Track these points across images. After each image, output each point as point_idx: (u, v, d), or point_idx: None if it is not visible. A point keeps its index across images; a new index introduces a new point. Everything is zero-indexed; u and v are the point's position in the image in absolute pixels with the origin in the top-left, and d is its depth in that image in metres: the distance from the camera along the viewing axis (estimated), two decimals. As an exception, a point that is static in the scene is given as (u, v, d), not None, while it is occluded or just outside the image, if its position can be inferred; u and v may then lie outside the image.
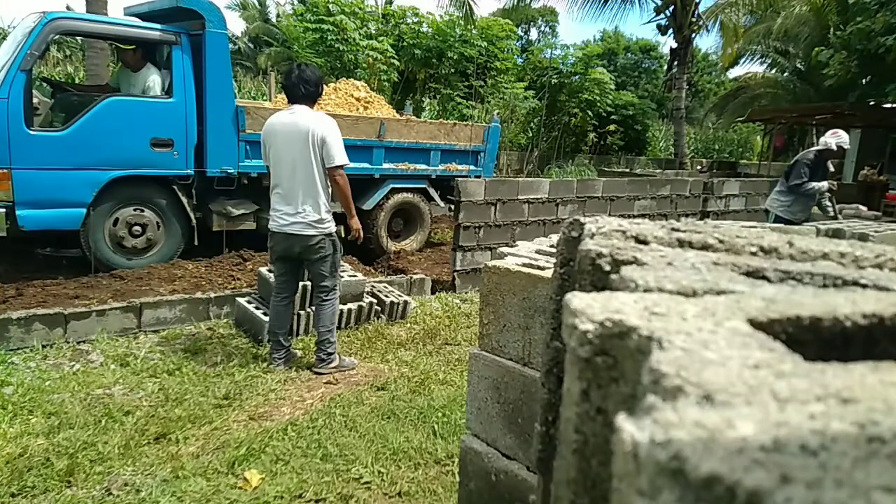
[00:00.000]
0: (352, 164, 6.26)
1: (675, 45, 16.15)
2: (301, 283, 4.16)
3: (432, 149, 7.10)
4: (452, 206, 8.02)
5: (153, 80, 5.45)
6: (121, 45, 5.60)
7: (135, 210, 5.33)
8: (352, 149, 6.34)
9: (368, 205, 6.67)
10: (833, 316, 0.49)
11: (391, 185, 6.82)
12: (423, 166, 7.08)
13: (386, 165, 6.73)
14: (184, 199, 5.53)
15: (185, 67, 5.43)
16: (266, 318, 4.07)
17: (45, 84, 6.71)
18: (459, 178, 6.10)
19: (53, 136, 4.91)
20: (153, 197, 5.41)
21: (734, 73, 28.59)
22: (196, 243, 5.66)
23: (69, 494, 2.42)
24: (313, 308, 4.25)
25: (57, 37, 5.37)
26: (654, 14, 16.19)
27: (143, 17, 5.75)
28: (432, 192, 7.24)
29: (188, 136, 5.47)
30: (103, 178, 5.04)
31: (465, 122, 8.04)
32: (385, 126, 6.68)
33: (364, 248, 6.66)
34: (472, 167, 7.50)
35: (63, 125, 5.04)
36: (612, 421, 0.47)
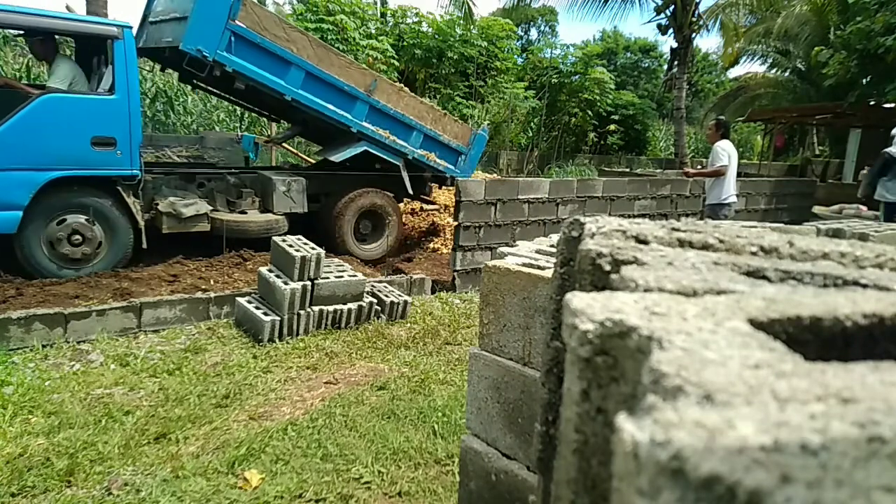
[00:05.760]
0: (332, 107, 6.19)
1: (675, 44, 16.11)
2: (301, 284, 4.17)
3: (416, 128, 6.83)
4: (423, 204, 7.91)
5: (62, 70, 5.20)
6: (28, 36, 5.34)
7: (76, 213, 5.07)
8: (336, 91, 6.18)
9: (337, 157, 6.47)
10: (833, 316, 0.49)
11: (365, 147, 6.54)
12: (403, 142, 6.78)
13: (366, 124, 6.44)
14: (129, 201, 5.30)
15: (129, 63, 5.19)
16: (266, 318, 4.07)
17: None
18: (460, 179, 6.08)
19: None
20: (95, 198, 5.16)
21: (734, 72, 28.63)
22: (145, 246, 5.42)
23: (69, 494, 2.42)
24: (313, 309, 4.26)
25: None
26: (655, 14, 16.15)
27: None
28: (405, 174, 6.90)
29: (132, 134, 5.21)
30: (40, 178, 4.79)
31: (455, 118, 7.86)
32: (377, 83, 6.44)
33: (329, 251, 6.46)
34: (450, 166, 7.22)
35: None
36: (612, 421, 0.47)
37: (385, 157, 6.75)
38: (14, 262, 5.15)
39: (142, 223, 5.39)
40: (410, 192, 7.08)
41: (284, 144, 9.65)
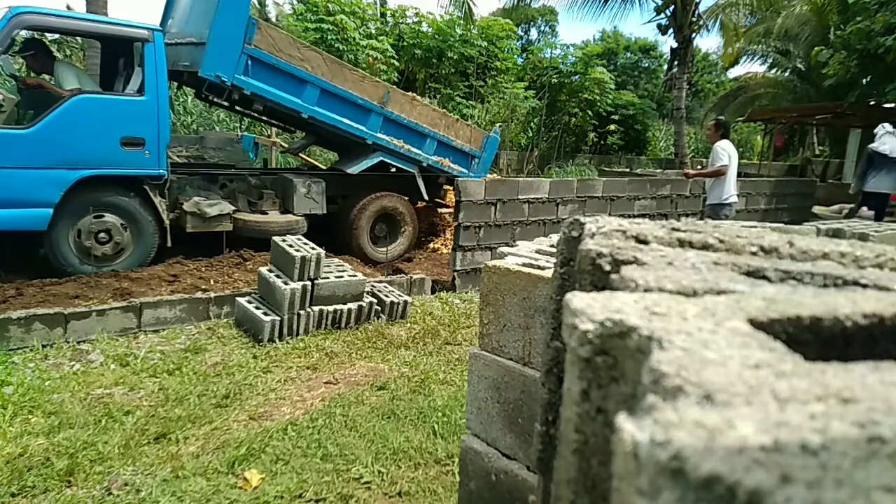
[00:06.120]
0: (347, 121, 6.27)
1: (675, 44, 16.11)
2: (302, 284, 4.17)
3: (430, 135, 6.91)
4: (438, 206, 7.95)
5: (68, 74, 5.27)
6: (21, 53, 5.42)
7: (104, 211, 5.15)
8: (351, 105, 6.27)
9: (354, 169, 6.54)
10: (833, 316, 0.49)
11: (381, 157, 6.65)
12: (417, 150, 6.86)
13: (381, 135, 6.54)
14: (156, 200, 5.39)
15: (158, 65, 5.28)
16: (266, 318, 4.07)
17: (12, 80, 6.37)
18: (460, 179, 6.08)
19: (19, 133, 4.76)
20: (123, 197, 5.26)
21: (734, 72, 28.63)
22: (169, 245, 5.49)
23: (69, 494, 2.42)
24: (313, 309, 4.26)
25: (23, 32, 5.18)
26: (655, 14, 16.15)
27: None
28: (420, 181, 7.01)
29: (160, 134, 5.32)
30: (71, 177, 4.89)
31: (467, 123, 7.92)
32: (390, 95, 6.52)
33: (346, 253, 6.46)
34: (464, 170, 7.29)
35: (30, 122, 4.89)
36: (612, 421, 0.47)
37: (400, 165, 6.85)
38: (15, 261, 5.15)
39: (167, 222, 5.48)
40: (426, 197, 7.21)
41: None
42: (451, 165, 7.18)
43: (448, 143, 7.10)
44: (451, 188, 7.82)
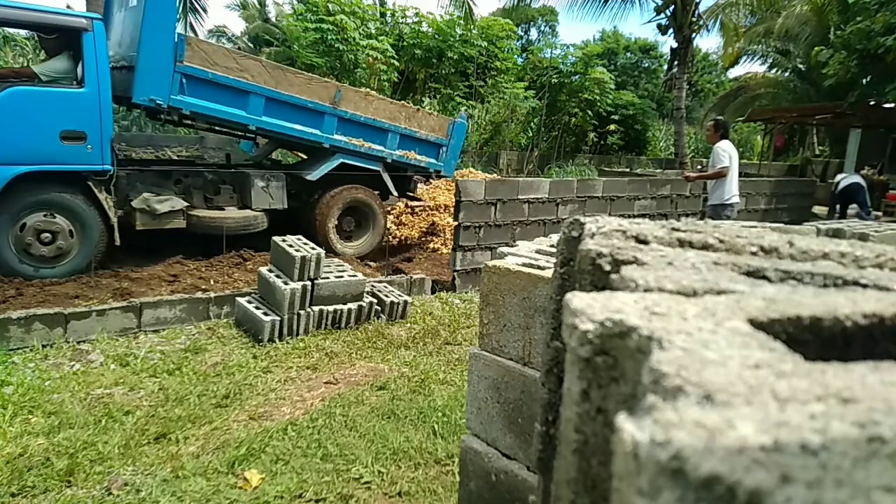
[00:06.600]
0: (299, 127, 6.15)
1: (675, 44, 16.12)
2: (302, 284, 4.17)
3: (391, 130, 6.73)
4: (409, 201, 7.85)
5: (53, 63, 5.11)
6: (42, 34, 5.29)
7: (45, 212, 4.93)
8: (300, 110, 6.08)
9: (314, 175, 6.37)
10: (833, 316, 0.49)
11: (341, 160, 6.48)
12: (379, 147, 6.71)
13: (338, 136, 6.38)
14: (101, 197, 5.15)
15: (99, 55, 5.03)
16: (266, 318, 4.07)
17: None
18: (460, 179, 6.07)
19: None
20: (66, 195, 5.02)
21: (734, 72, 28.64)
22: (118, 243, 5.28)
23: (69, 494, 2.42)
24: (313, 309, 4.26)
25: None
26: (655, 14, 16.16)
27: None
28: (386, 177, 6.87)
29: (103, 128, 5.08)
30: (7, 174, 4.65)
31: (429, 111, 7.75)
32: (341, 94, 6.34)
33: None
34: (432, 160, 7.14)
35: None
36: (612, 421, 0.47)
37: (363, 164, 6.69)
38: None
39: (114, 219, 5.25)
40: (394, 193, 7.07)
41: None
42: (418, 157, 7.04)
43: (411, 135, 6.92)
44: (425, 180, 7.77)
